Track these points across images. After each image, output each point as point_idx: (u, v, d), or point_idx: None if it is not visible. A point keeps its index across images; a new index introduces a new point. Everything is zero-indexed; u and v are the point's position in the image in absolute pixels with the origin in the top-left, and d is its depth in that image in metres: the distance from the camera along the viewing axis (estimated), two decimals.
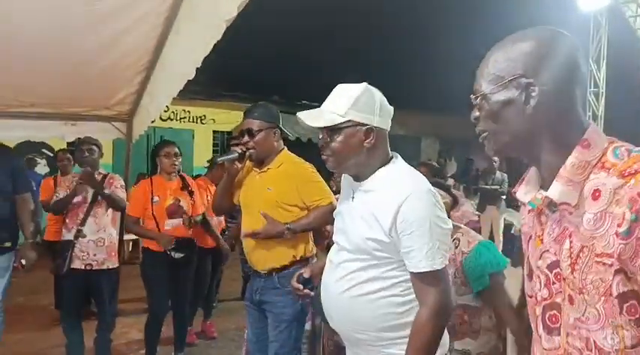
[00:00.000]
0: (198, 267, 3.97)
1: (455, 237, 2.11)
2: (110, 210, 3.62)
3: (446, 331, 1.58)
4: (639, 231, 0.84)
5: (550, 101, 0.96)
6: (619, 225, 0.87)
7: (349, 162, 1.62)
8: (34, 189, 3.86)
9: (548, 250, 1.00)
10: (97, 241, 3.55)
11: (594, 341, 0.92)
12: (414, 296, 1.54)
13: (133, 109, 4.52)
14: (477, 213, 4.50)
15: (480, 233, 3.19)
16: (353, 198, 1.65)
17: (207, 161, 5.00)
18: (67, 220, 3.62)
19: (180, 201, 3.63)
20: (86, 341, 3.61)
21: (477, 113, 1.05)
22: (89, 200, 3.57)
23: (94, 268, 3.53)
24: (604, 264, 0.89)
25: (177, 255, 3.47)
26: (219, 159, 3.18)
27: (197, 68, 2.78)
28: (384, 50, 9.51)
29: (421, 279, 1.50)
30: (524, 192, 1.06)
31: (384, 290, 1.56)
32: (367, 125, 1.57)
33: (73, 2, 2.42)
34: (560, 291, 0.98)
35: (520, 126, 0.98)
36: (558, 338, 0.99)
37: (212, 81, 8.30)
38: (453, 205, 2.32)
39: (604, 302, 0.90)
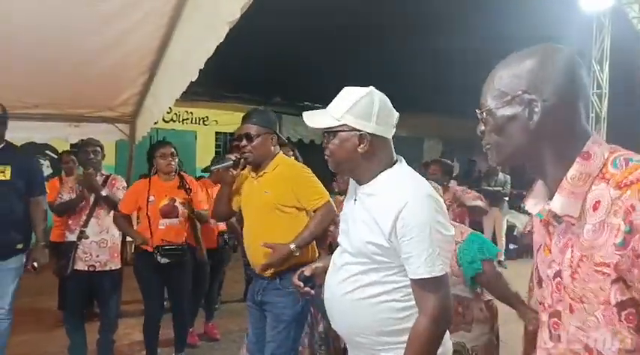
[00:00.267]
0: (196, 268, 3.97)
1: None
2: (112, 212, 3.62)
3: (447, 332, 1.57)
4: (634, 242, 0.86)
5: (553, 116, 0.98)
6: (616, 236, 0.88)
7: (344, 166, 1.63)
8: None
9: (554, 260, 1.03)
10: (99, 242, 3.56)
11: (594, 346, 0.94)
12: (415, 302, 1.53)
13: (136, 111, 4.53)
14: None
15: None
16: (355, 200, 1.65)
17: (202, 170, 4.97)
18: (69, 222, 3.64)
19: (175, 201, 3.59)
20: (89, 343, 3.62)
21: (483, 127, 1.08)
22: (92, 202, 3.58)
23: (96, 269, 3.55)
24: (603, 273, 0.91)
25: (164, 261, 3.43)
26: (213, 167, 3.18)
27: (200, 69, 2.80)
28: (387, 51, 9.51)
29: (420, 286, 1.48)
30: (533, 204, 1.08)
31: (385, 294, 1.55)
32: (361, 131, 1.55)
33: (76, 3, 2.43)
34: (561, 300, 1.00)
35: (523, 140, 1.01)
36: (560, 344, 1.02)
37: (215, 82, 8.30)
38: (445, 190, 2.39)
39: (603, 310, 0.92)
